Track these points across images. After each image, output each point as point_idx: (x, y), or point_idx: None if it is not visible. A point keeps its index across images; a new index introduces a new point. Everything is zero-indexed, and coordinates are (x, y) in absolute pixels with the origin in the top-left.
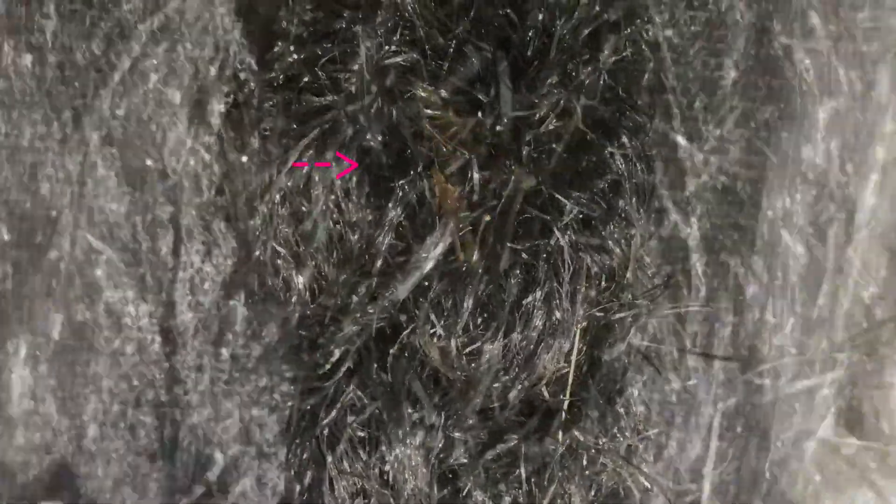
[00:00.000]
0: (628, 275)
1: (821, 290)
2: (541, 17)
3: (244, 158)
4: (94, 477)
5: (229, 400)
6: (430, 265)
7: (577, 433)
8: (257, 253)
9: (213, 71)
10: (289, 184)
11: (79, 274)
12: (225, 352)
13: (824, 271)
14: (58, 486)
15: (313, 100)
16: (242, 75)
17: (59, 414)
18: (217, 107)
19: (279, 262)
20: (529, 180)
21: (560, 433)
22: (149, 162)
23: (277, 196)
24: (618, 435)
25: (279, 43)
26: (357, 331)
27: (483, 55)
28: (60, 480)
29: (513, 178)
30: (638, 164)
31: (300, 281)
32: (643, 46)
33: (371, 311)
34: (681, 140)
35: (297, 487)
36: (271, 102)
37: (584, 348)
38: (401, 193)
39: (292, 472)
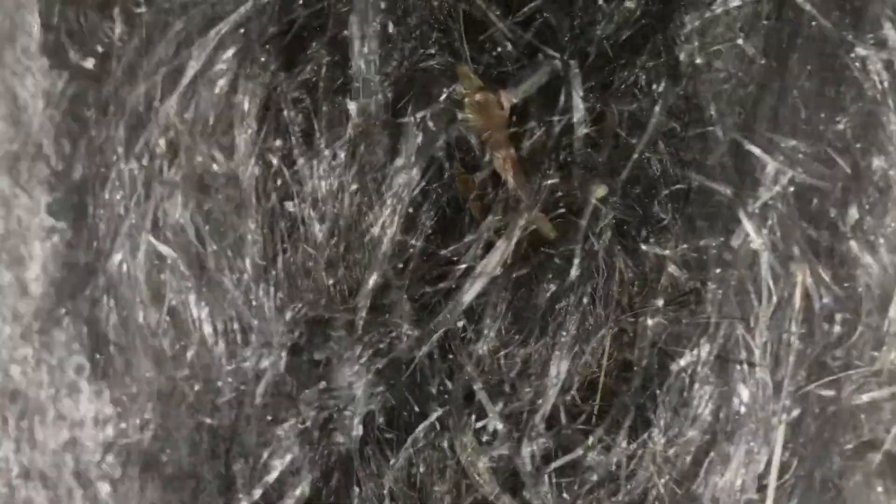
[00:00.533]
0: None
1: (891, 302)
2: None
3: (310, 163)
4: (151, 479)
5: (288, 403)
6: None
7: (643, 442)
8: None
9: (281, 76)
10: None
11: (142, 278)
12: (284, 356)
13: (895, 283)
14: None
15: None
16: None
17: (119, 417)
18: (285, 112)
19: (341, 269)
20: (602, 189)
21: (625, 443)
22: (215, 167)
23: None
24: (682, 445)
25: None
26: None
27: (553, 63)
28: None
29: (585, 186)
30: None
31: (365, 290)
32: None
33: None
34: (754, 150)
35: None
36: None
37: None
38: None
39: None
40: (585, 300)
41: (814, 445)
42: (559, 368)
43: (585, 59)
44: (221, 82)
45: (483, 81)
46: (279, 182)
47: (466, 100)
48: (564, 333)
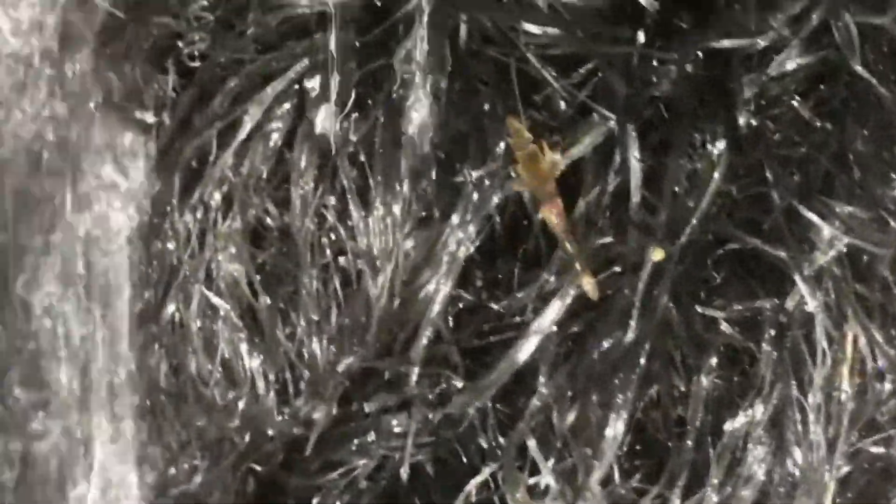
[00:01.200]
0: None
1: None
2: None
3: (365, 219)
4: None
5: (338, 452)
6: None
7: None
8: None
9: (337, 132)
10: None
11: (195, 328)
12: (335, 407)
13: None
14: None
15: None
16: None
17: (167, 462)
18: (340, 168)
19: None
20: (659, 253)
21: (679, 501)
22: (269, 220)
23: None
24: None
25: None
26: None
27: (608, 124)
28: None
29: (641, 247)
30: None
31: (419, 345)
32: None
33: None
34: (809, 215)
35: None
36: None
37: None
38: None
39: None
40: (642, 360)
41: (862, 500)
42: (615, 430)
43: (640, 118)
44: (276, 136)
45: (534, 135)
46: (334, 237)
47: (517, 152)
48: (621, 396)
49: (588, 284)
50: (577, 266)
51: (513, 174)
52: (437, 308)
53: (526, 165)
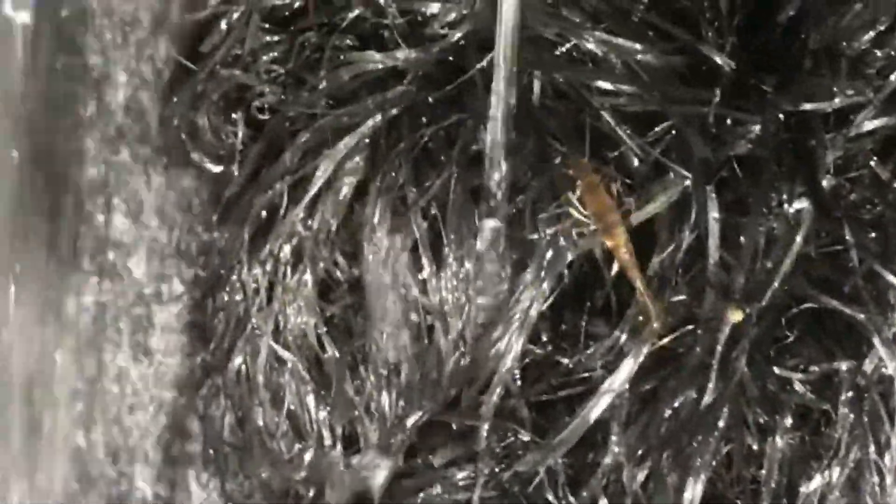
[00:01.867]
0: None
1: None
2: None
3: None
4: None
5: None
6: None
7: None
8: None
9: (410, 187)
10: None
11: (262, 380)
12: (400, 462)
13: None
14: None
15: None
16: None
17: None
18: (413, 223)
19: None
20: (738, 314)
21: None
22: (338, 274)
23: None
24: None
25: None
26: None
27: (683, 183)
28: None
29: (718, 307)
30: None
31: (490, 401)
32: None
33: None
34: (889, 277)
35: None
36: None
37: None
38: None
39: None
40: (721, 423)
41: None
42: (693, 492)
43: (715, 177)
44: (345, 191)
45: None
46: (405, 292)
47: (579, 184)
48: (699, 459)
49: (656, 319)
50: (643, 298)
51: (582, 231)
52: (508, 364)
53: (588, 196)
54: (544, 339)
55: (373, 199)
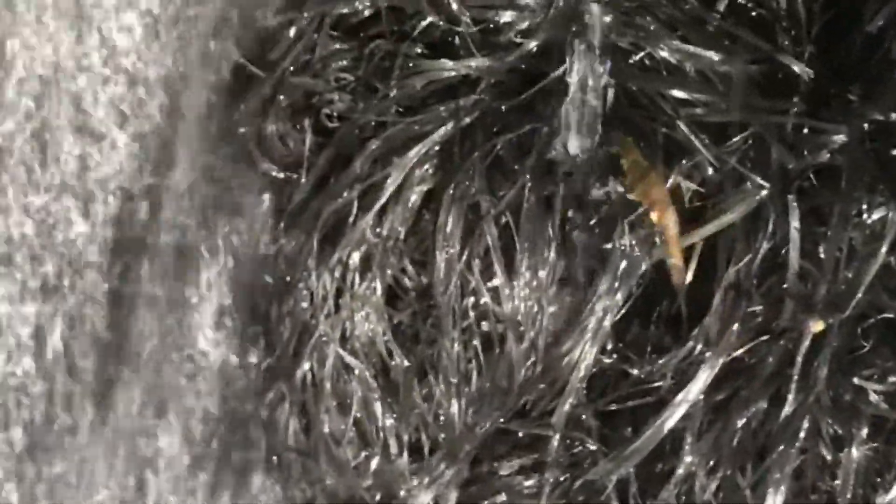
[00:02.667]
0: None
1: None
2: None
3: (511, 283)
4: None
5: None
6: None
7: None
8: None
9: (484, 196)
10: None
11: (329, 387)
12: (465, 471)
13: None
14: None
15: None
16: None
17: None
18: (488, 231)
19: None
20: (819, 324)
21: None
22: (407, 281)
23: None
24: None
25: None
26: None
27: (760, 193)
28: None
29: (797, 317)
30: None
31: (561, 412)
32: None
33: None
34: None
35: None
36: None
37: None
38: None
39: None
40: (802, 435)
41: None
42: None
43: (794, 187)
44: (415, 198)
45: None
46: (476, 300)
47: (627, 168)
48: (778, 472)
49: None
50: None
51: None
52: (580, 374)
53: (637, 178)
54: (609, 347)
55: (445, 207)
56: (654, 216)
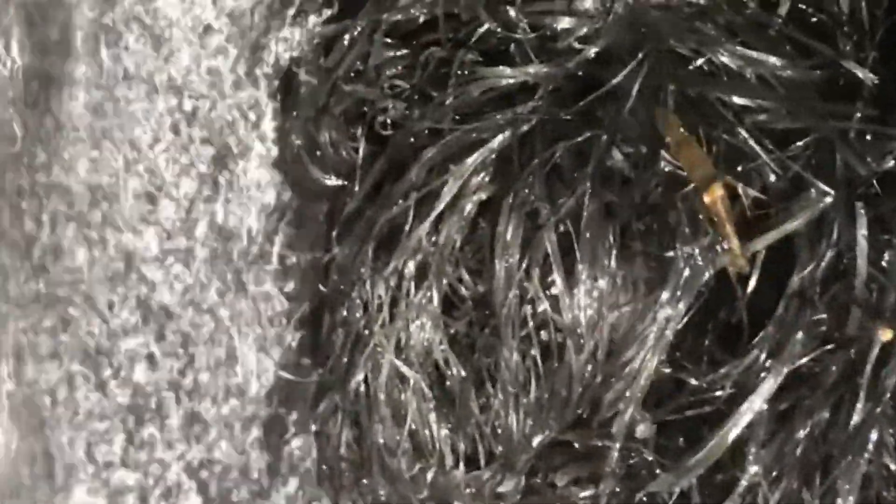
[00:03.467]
0: None
1: None
2: None
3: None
4: None
5: None
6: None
7: None
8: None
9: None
10: None
11: (383, 398)
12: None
13: None
14: None
15: None
16: None
17: None
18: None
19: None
20: (889, 333)
21: None
22: (464, 290)
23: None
24: None
25: None
26: None
27: (824, 200)
28: None
29: (864, 327)
30: None
31: (622, 422)
32: None
33: None
34: None
35: None
36: None
37: None
38: None
39: None
40: (870, 446)
41: None
42: None
43: (860, 192)
44: (471, 207)
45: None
46: (535, 309)
47: (670, 141)
48: (847, 483)
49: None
50: (734, 251)
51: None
52: (640, 385)
53: (681, 152)
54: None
55: (504, 215)
56: (702, 196)
